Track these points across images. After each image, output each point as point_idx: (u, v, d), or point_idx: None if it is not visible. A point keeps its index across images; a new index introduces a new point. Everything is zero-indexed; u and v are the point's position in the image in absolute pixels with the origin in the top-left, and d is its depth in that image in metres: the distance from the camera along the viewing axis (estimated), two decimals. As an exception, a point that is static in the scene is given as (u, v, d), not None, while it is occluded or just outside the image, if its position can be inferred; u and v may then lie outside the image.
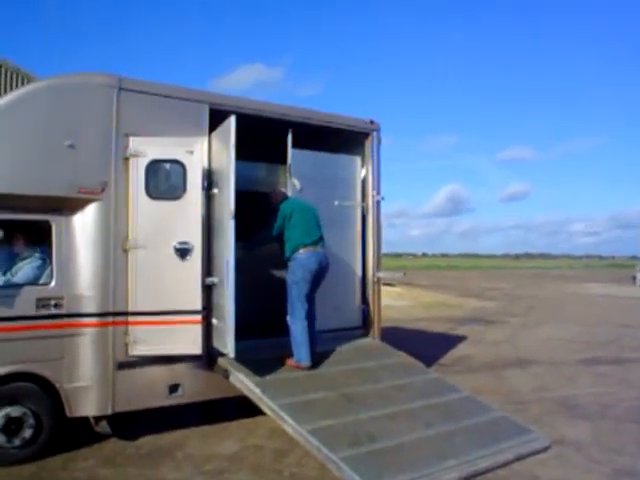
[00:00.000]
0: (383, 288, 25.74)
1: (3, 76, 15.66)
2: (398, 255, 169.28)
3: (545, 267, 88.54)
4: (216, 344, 6.32)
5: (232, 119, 5.91)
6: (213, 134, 6.49)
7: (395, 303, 22.43)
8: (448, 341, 13.18)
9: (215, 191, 6.37)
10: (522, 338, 14.11)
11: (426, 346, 12.36)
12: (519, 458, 5.55)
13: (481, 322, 16.96)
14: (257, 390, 5.84)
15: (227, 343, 5.87)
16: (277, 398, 5.73)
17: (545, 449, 5.85)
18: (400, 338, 13.12)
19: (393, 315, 18.24)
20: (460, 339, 13.60)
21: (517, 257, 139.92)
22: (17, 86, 15.11)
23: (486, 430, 5.89)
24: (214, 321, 6.35)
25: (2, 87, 14.91)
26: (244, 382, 6.00)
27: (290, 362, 6.63)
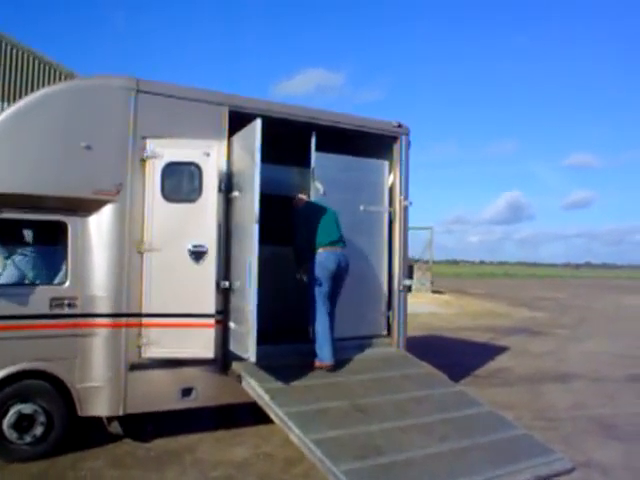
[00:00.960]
0: (431, 296, 25.47)
1: (42, 71, 16.05)
2: (455, 262, 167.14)
3: (605, 277, 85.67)
4: (234, 348, 6.26)
5: (258, 122, 5.85)
6: (234, 137, 6.45)
7: (441, 311, 22.09)
8: (488, 352, 12.82)
9: (236, 194, 6.33)
10: (568, 351, 13.61)
11: (464, 356, 12.10)
12: (538, 479, 5.27)
13: (527, 333, 16.46)
14: (266, 397, 5.74)
15: (249, 347, 5.79)
16: (286, 405, 5.62)
17: (568, 471, 5.52)
18: (438, 347, 12.91)
19: (436, 323, 17.96)
20: (502, 350, 13.22)
21: (578, 267, 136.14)
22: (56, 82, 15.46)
23: (504, 448, 5.61)
24: (232, 325, 6.30)
25: (43, 83, 15.29)
26: (255, 388, 5.91)
27: (313, 363, 6.58)
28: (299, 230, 6.77)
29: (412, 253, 30.05)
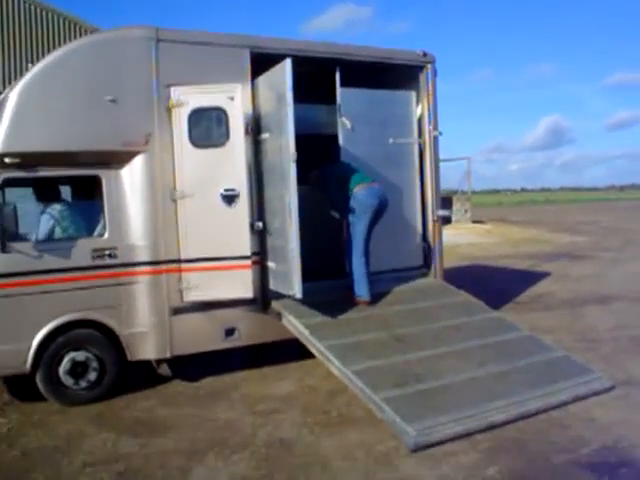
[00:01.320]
0: (471, 226, 25.28)
1: (66, 28, 16.11)
2: (496, 191, 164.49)
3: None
4: (275, 286, 6.42)
5: (288, 62, 5.83)
6: (260, 78, 6.44)
7: (481, 240, 21.96)
8: (529, 278, 12.77)
9: (266, 136, 6.37)
10: (610, 274, 13.44)
11: (505, 284, 12.10)
12: (576, 399, 5.35)
13: (569, 258, 16.30)
14: (306, 331, 5.92)
15: (294, 284, 5.94)
16: (325, 339, 5.79)
17: (607, 390, 5.60)
18: (478, 276, 12.93)
19: (477, 253, 17.91)
20: (542, 276, 13.14)
21: (622, 189, 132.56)
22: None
23: (543, 370, 5.70)
24: (271, 264, 6.44)
25: (67, 40, 15.36)
26: (294, 324, 6.10)
27: (350, 297, 6.71)
28: (330, 192, 6.83)
29: (450, 184, 29.78)
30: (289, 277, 6.04)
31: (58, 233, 5.98)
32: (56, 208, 6.05)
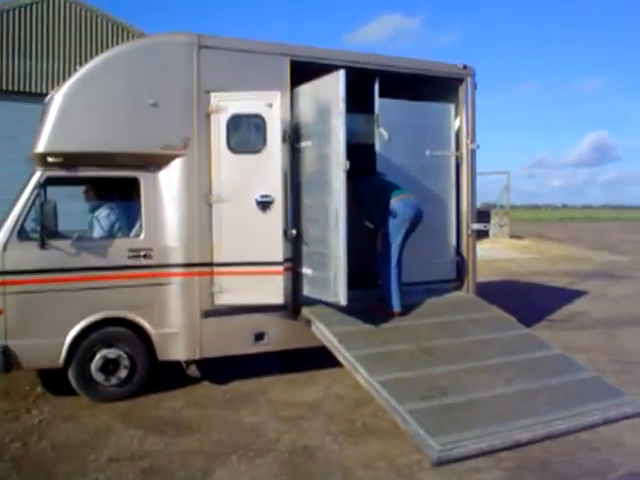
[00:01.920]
0: (509, 241, 24.95)
1: (114, 32, 16.50)
2: (536, 207, 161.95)
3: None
4: (311, 293, 6.47)
5: (341, 73, 5.89)
6: (303, 87, 6.52)
7: (519, 256, 21.69)
8: (565, 296, 12.57)
9: (306, 144, 6.44)
10: (649, 295, 13.16)
11: (540, 301, 11.92)
12: (606, 422, 5.24)
13: (607, 277, 15.98)
14: (335, 340, 5.93)
15: (338, 291, 5.96)
16: (353, 348, 5.79)
17: (639, 414, 5.48)
18: (513, 292, 12.78)
19: (513, 268, 17.68)
20: (579, 294, 12.92)
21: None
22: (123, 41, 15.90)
23: (572, 390, 5.60)
24: (307, 271, 6.49)
25: (114, 44, 15.70)
26: (323, 332, 6.12)
27: (380, 308, 6.69)
28: (366, 204, 6.86)
29: (489, 198, 29.48)
30: (332, 284, 6.07)
31: (96, 232, 6.15)
32: (113, 206, 6.26)
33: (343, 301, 5.95)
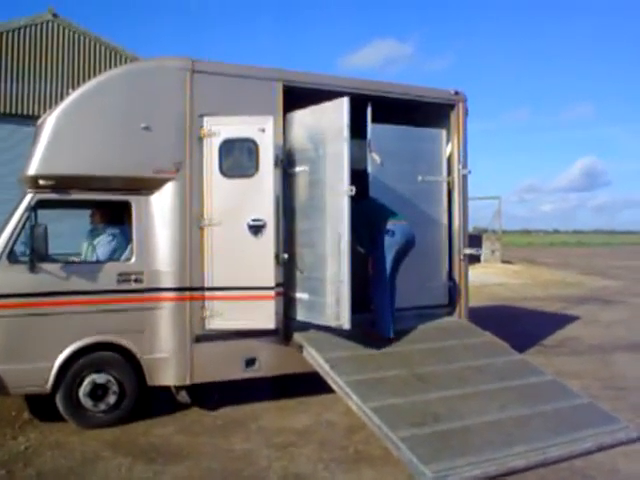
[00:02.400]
0: (500, 266, 25.00)
1: (108, 56, 16.63)
2: (527, 232, 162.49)
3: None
4: (308, 318, 6.45)
5: (345, 100, 5.96)
6: (299, 112, 6.56)
7: (510, 281, 21.71)
8: (558, 321, 12.57)
9: (301, 169, 6.48)
10: (641, 320, 13.18)
11: (532, 326, 11.93)
12: (600, 448, 5.19)
13: (599, 302, 16.01)
14: (326, 366, 5.88)
15: (340, 315, 5.97)
16: (345, 374, 5.74)
17: (633, 441, 5.42)
18: (505, 317, 12.76)
19: (505, 293, 17.70)
20: (571, 319, 12.93)
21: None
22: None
23: (566, 417, 5.56)
24: (302, 296, 6.49)
25: (108, 67, 15.82)
26: (315, 357, 6.06)
27: (372, 333, 6.64)
28: (358, 228, 6.69)
29: (481, 223, 29.59)
30: (334, 308, 6.06)
31: (117, 254, 6.16)
32: (116, 231, 6.26)
33: (347, 325, 5.93)
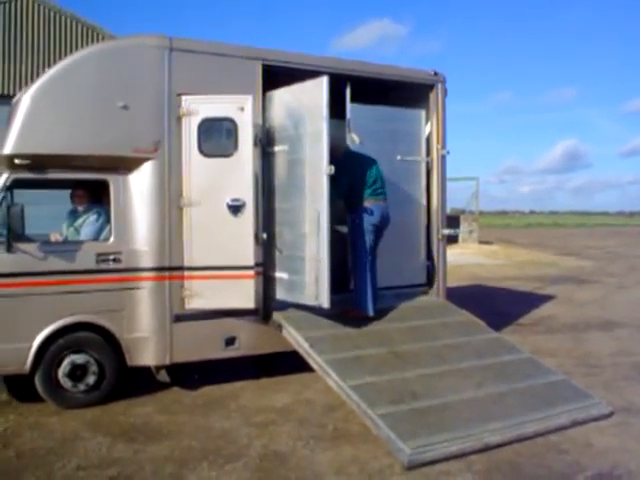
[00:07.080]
0: (478, 246, 25.28)
1: (84, 35, 16.37)
2: (504, 212, 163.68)
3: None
4: (287, 297, 6.48)
5: (325, 79, 5.96)
6: (278, 91, 6.52)
7: (487, 261, 21.94)
8: (533, 301, 12.75)
9: (281, 148, 6.47)
10: (614, 299, 13.41)
11: (508, 305, 12.07)
12: (574, 424, 5.32)
13: (574, 282, 16.25)
14: (306, 344, 5.92)
15: (319, 294, 6.01)
16: (325, 353, 5.79)
17: (605, 416, 5.57)
18: (482, 296, 12.90)
19: (482, 273, 17.87)
20: (546, 299, 13.10)
21: (631, 215, 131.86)
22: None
23: (541, 393, 5.68)
24: (281, 275, 6.51)
25: (80, 44, 15.56)
26: (295, 336, 6.10)
27: (353, 311, 6.69)
28: (340, 181, 6.79)
29: (459, 204, 29.79)
30: (313, 287, 6.09)
31: (104, 233, 6.11)
32: (102, 210, 6.19)
33: (326, 304, 5.98)
